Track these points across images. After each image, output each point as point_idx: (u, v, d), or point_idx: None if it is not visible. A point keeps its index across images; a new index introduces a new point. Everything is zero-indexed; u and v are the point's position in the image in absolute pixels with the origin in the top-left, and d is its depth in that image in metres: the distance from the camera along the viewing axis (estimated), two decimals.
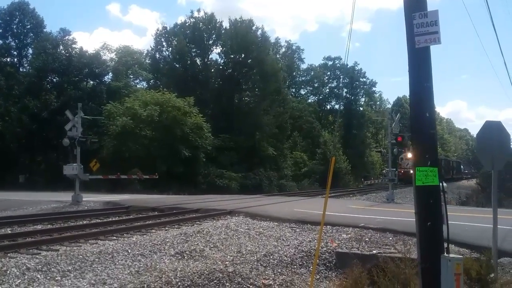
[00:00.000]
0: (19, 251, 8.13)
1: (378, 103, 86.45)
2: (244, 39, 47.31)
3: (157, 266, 7.99)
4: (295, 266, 8.98)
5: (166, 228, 11.60)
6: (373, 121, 72.59)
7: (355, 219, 13.06)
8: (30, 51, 43.24)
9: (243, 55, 48.32)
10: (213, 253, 9.18)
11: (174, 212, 15.01)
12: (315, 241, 10.31)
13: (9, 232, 10.61)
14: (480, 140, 7.77)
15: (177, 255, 8.87)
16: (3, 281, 6.59)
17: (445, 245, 5.37)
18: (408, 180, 33.83)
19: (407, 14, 5.68)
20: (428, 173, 5.39)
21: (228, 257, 8.93)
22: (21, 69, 43.03)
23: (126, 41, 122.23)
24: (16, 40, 42.98)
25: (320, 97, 74.86)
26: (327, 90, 75.14)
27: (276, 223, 12.80)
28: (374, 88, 78.67)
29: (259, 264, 8.72)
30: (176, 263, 8.27)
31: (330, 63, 74.53)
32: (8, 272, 6.93)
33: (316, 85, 74.38)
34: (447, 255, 5.28)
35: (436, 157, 5.56)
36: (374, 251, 9.17)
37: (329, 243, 10.06)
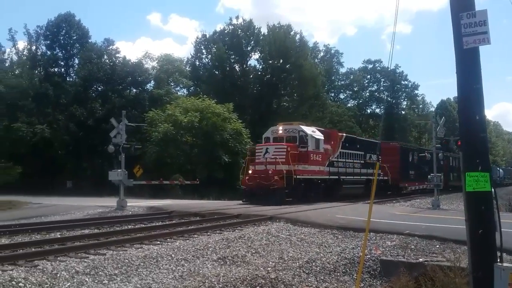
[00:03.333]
0: (68, 255, 8.39)
1: (420, 106, 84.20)
2: (283, 45, 47.40)
3: (200, 271, 8.05)
4: (338, 274, 8.83)
5: (208, 233, 11.69)
6: (415, 125, 70.66)
7: (400, 226, 12.71)
8: (76, 61, 44.99)
9: (281, 61, 48.39)
10: (255, 259, 9.18)
11: (215, 217, 15.13)
12: (358, 248, 10.11)
13: (59, 236, 11.01)
14: None
15: (219, 260, 8.92)
16: (54, 284, 6.81)
17: (498, 253, 5.14)
18: (264, 190, 19.49)
19: (454, 15, 5.51)
20: (479, 178, 5.17)
21: (270, 263, 8.90)
22: (68, 79, 44.82)
23: (167, 50, 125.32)
24: (63, 51, 44.81)
25: (360, 101, 73.77)
26: (367, 94, 73.99)
27: (317, 230, 12.65)
28: (416, 91, 76.80)
29: (301, 271, 8.64)
30: (218, 269, 8.31)
31: (370, 66, 73.45)
32: (58, 275, 7.15)
33: (355, 89, 73.40)
34: (500, 264, 5.05)
35: (488, 161, 5.33)
36: (421, 259, 8.88)
37: (373, 251, 9.83)
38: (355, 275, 8.56)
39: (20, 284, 6.55)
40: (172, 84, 50.37)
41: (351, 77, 72.82)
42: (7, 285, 6.46)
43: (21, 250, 8.75)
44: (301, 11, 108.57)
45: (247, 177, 20.98)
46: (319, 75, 52.43)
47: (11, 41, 46.25)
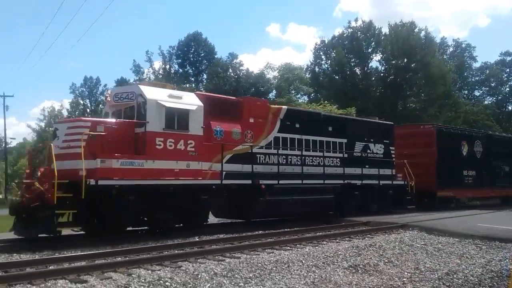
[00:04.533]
0: (206, 257, 8.94)
1: None
2: (406, 43, 45.23)
3: (332, 279, 7.96)
4: None
5: (337, 240, 11.56)
6: None
7: None
8: (205, 76, 48.39)
9: (405, 60, 46.18)
10: (388, 268, 8.80)
11: (343, 224, 14.90)
12: (507, 260, 9.14)
13: (197, 239, 11.80)
14: None
15: (350, 268, 8.74)
16: (196, 285, 7.29)
17: None
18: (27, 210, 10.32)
19: None
20: None
21: (405, 273, 8.46)
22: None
23: (286, 59, 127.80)
24: (193, 68, 48.57)
25: (499, 98, 66.61)
26: (507, 89, 66.58)
27: (456, 239, 11.72)
28: None
29: (441, 283, 8.05)
30: (350, 277, 8.14)
31: (508, 58, 66.12)
32: (199, 276, 7.65)
33: (493, 85, 66.54)
34: None
35: None
36: None
37: None
38: None
39: (167, 283, 7.13)
40: (293, 92, 51.16)
41: (487, 71, 66.19)
42: (156, 283, 7.09)
43: (166, 252, 9.56)
44: (425, 6, 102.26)
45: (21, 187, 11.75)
46: (449, 72, 48.77)
47: (148, 62, 51.64)
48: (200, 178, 12.84)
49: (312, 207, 15.90)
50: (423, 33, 48.10)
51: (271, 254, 9.52)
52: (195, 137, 12.78)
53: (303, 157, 15.83)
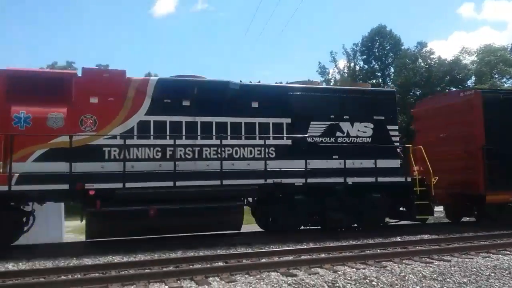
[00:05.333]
0: (412, 259, 8.54)
1: None
2: None
3: None
4: None
5: None
6: None
7: None
8: (392, 70, 46.60)
9: None
10: None
11: None
12: None
13: (399, 239, 11.34)
14: None
15: None
16: (403, 286, 7.04)
17: None
18: None
19: None
20: None
21: None
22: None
23: (485, 40, 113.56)
24: (379, 62, 47.29)
25: None
26: None
27: None
28: None
29: None
30: None
31: None
32: (406, 278, 7.35)
33: None
34: None
35: None
36: None
37: None
38: None
39: (373, 283, 7.06)
40: (496, 76, 45.20)
41: None
42: (362, 282, 7.09)
43: (368, 251, 9.48)
44: None
45: None
46: None
47: (333, 62, 52.30)
48: None
49: (200, 219, 10.83)
50: None
51: (486, 258, 8.57)
52: None
53: (178, 148, 10.96)
